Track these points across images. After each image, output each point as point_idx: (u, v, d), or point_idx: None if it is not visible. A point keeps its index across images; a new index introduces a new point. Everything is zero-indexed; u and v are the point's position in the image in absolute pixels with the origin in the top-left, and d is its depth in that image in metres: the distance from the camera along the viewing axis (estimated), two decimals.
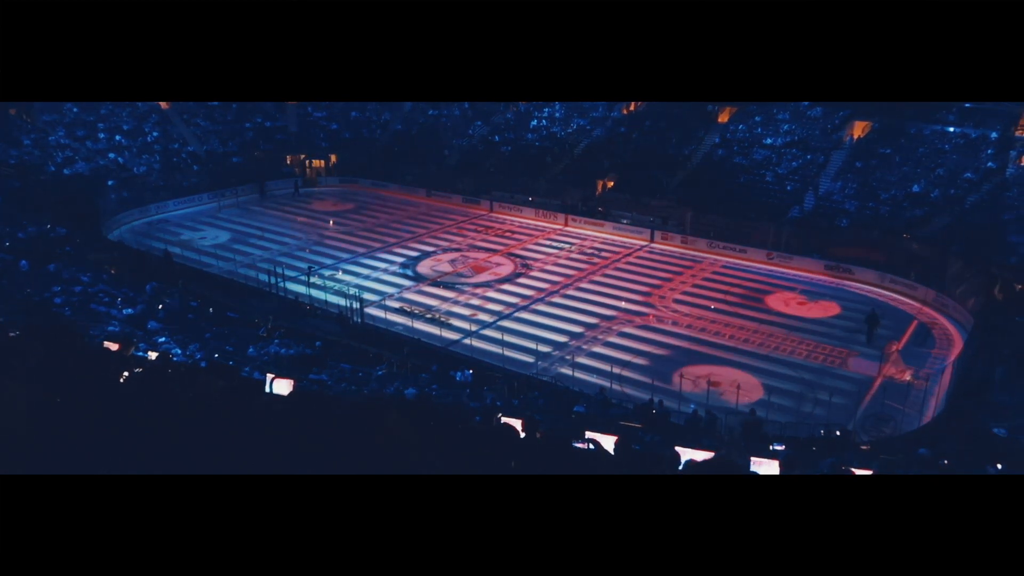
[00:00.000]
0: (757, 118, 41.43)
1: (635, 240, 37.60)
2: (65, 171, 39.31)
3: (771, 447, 13.83)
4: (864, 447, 16.76)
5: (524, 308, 28.53)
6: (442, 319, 27.17)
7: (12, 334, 6.97)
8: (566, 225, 40.17)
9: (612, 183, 41.91)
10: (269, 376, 8.52)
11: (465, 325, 26.61)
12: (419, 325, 26.23)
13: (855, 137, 38.85)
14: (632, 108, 46.01)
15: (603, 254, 35.54)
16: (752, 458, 7.55)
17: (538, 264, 33.86)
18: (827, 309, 28.49)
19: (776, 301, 29.23)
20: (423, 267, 33.32)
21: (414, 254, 35.12)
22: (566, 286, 30.99)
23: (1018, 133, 34.60)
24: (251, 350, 19.43)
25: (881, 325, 25.80)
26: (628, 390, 21.60)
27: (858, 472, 7.18)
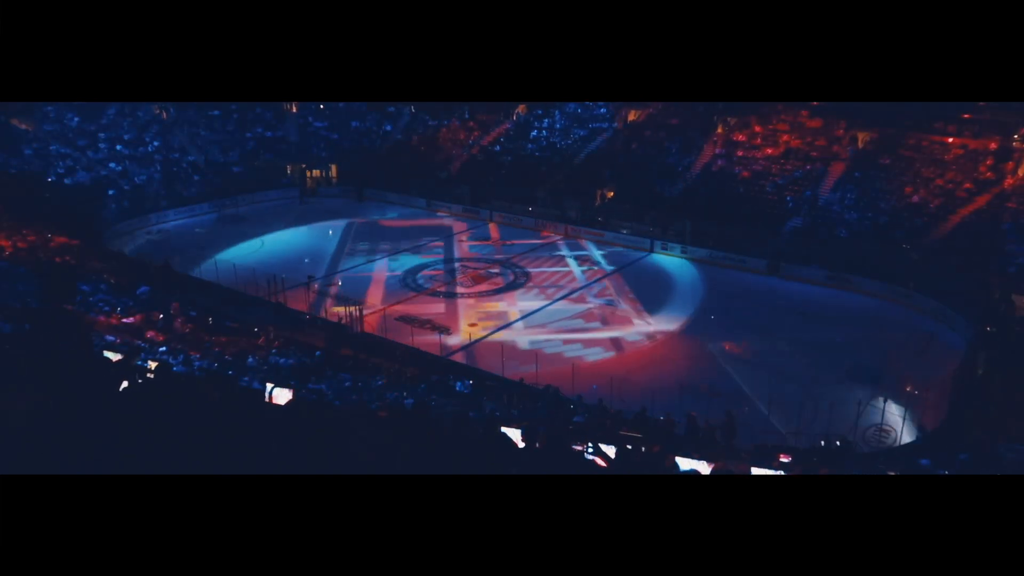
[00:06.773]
0: (757, 128, 41.48)
1: (634, 250, 37.62)
2: (66, 181, 39.34)
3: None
4: (865, 457, 16.71)
5: (523, 318, 28.51)
6: (441, 329, 27.13)
7: (13, 344, 6.97)
8: (566, 235, 40.17)
9: (612, 193, 41.94)
10: (269, 386, 8.52)
11: (465, 335, 26.57)
12: (419, 335, 26.19)
13: (854, 148, 38.90)
14: (632, 118, 46.09)
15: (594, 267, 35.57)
16: (753, 468, 7.53)
17: (537, 274, 33.86)
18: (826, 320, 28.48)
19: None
20: (422, 277, 33.33)
21: (414, 264, 35.14)
22: (564, 295, 30.99)
23: (1016, 144, 34.65)
24: (250, 360, 19.37)
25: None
26: (628, 400, 21.49)
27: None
